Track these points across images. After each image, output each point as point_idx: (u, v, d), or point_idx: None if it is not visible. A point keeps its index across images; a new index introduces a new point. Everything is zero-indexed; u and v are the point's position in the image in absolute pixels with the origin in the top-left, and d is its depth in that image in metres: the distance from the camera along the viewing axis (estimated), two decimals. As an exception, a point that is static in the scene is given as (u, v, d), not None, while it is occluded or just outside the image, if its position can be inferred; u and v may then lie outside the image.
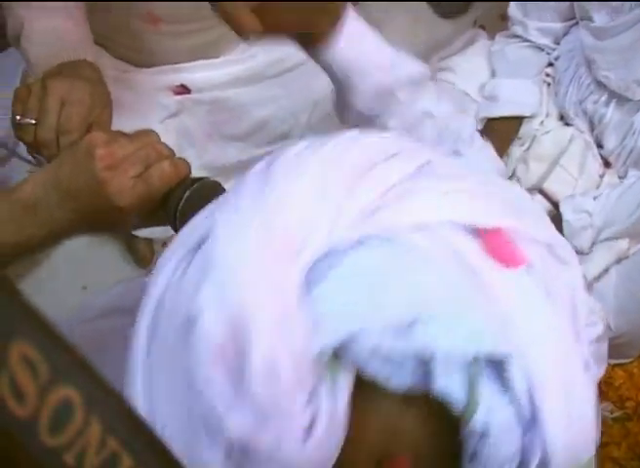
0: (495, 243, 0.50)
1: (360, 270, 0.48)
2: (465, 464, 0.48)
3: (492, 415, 0.46)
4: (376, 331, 0.46)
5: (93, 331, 1.31)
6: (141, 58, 1.65)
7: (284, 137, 1.87)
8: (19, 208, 0.82)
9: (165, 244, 1.84)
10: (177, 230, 0.86)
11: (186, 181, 0.86)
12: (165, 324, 0.53)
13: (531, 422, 0.47)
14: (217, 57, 1.76)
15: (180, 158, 0.88)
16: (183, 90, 1.72)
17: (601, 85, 1.62)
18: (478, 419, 0.46)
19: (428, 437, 0.49)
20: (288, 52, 1.78)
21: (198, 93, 1.73)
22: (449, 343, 0.46)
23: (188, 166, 0.88)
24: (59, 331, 0.35)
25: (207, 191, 0.86)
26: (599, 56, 1.57)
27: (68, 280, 1.71)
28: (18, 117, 1.05)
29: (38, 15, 1.22)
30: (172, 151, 0.88)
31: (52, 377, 0.33)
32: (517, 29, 1.69)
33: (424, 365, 0.46)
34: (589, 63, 1.62)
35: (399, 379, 0.47)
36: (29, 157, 1.15)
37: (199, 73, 1.73)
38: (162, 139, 0.90)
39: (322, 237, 0.48)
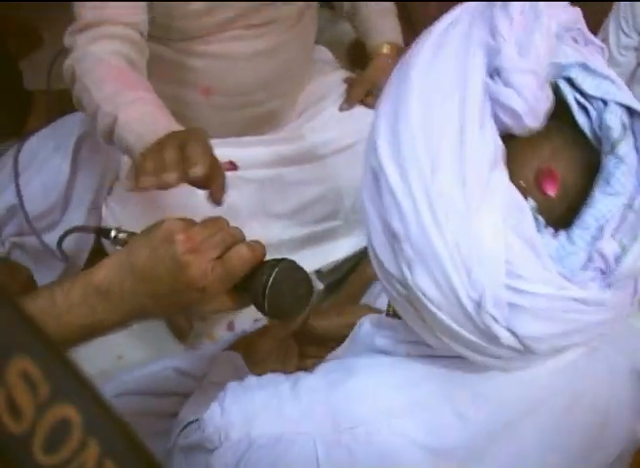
0: None
1: None
2: (599, 186, 0.73)
3: (629, 154, 0.72)
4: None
5: (124, 405, 1.31)
6: (192, 130, 1.67)
7: (328, 219, 1.88)
8: (91, 292, 0.84)
9: (203, 319, 1.83)
10: (265, 311, 0.90)
11: (265, 263, 0.90)
12: None
13: None
14: (266, 133, 1.80)
15: (255, 241, 0.90)
16: (232, 166, 1.74)
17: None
18: (622, 147, 0.72)
19: (577, 165, 0.75)
20: (337, 134, 1.81)
21: (246, 170, 1.75)
22: (623, 98, 0.74)
23: (264, 248, 0.91)
24: (62, 349, 0.34)
25: (290, 272, 0.91)
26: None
27: (104, 348, 1.70)
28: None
29: (128, 106, 1.30)
30: (243, 234, 0.91)
31: (51, 395, 0.33)
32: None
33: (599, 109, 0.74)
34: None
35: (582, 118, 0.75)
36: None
37: (248, 149, 1.76)
38: (208, 214, 0.93)
39: None
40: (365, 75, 1.85)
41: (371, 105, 1.84)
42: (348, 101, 1.84)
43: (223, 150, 1.72)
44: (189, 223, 0.88)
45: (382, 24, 1.84)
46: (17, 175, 1.67)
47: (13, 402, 0.32)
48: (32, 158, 1.70)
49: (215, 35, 1.56)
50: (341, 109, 1.85)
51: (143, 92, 1.35)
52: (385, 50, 1.83)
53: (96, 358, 1.60)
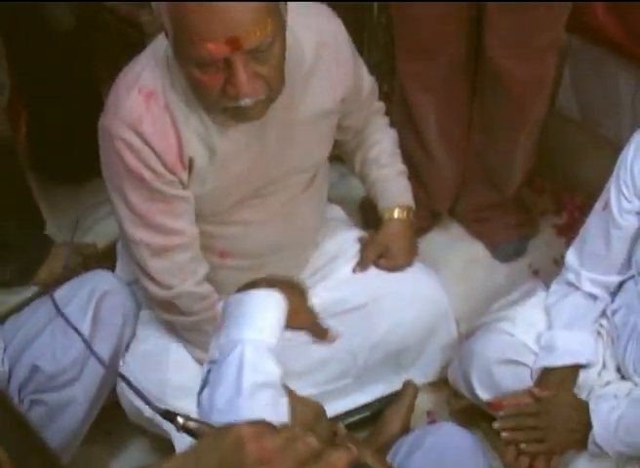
0: None
1: None
2: None
3: None
4: None
5: None
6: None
7: (341, 378, 1.89)
8: None
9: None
10: None
11: None
12: None
13: None
14: (279, 291, 1.84)
15: (335, 451, 0.84)
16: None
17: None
18: None
19: None
20: (349, 293, 1.86)
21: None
22: None
23: (345, 459, 0.84)
24: (39, 437, 0.35)
25: None
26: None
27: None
28: None
29: None
30: (317, 443, 0.86)
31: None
32: (570, 277, 1.73)
33: None
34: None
35: None
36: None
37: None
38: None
39: None
40: (377, 238, 1.91)
41: (383, 267, 1.91)
42: (361, 264, 1.90)
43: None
44: (261, 430, 0.84)
45: (392, 188, 1.90)
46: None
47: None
48: (52, 316, 1.73)
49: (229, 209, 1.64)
50: (354, 271, 1.90)
51: None
52: (397, 214, 1.89)
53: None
